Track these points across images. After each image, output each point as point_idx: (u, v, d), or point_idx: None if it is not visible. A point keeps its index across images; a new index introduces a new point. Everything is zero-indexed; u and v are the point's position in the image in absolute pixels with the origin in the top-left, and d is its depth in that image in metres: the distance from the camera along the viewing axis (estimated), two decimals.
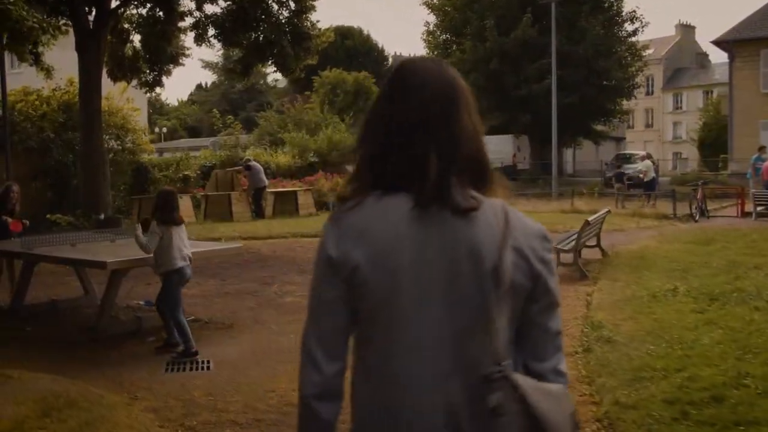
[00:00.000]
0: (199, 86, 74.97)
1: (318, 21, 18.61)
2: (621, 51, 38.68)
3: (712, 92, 75.43)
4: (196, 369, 6.86)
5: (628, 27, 38.97)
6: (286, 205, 22.56)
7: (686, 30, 78.90)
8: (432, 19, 40.81)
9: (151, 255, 7.19)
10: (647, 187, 27.70)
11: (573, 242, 11.17)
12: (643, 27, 39.68)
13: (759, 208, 21.47)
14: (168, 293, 7.26)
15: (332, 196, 23.76)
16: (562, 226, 18.33)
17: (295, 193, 22.98)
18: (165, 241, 7.11)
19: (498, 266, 1.56)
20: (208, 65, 70.55)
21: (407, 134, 1.61)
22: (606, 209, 13.90)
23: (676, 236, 15.37)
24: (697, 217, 20.83)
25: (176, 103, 72.53)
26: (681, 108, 78.86)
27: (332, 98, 48.89)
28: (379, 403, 1.63)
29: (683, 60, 78.20)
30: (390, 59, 66.72)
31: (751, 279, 9.55)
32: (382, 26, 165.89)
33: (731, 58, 36.25)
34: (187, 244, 7.38)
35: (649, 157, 34.43)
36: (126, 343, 7.77)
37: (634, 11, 38.94)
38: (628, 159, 39.57)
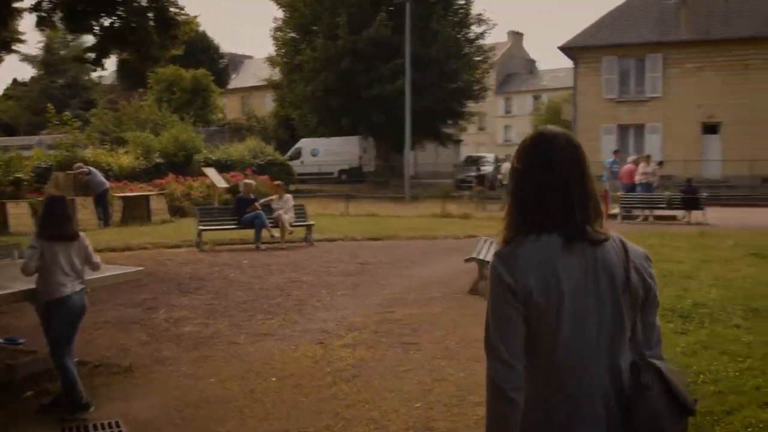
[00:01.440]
0: (15, 81, 68.65)
1: (184, 7, 16.86)
2: (470, 53, 38.90)
3: (540, 97, 79.09)
4: None
5: (476, 29, 39.25)
6: (137, 210, 20.32)
7: (516, 37, 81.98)
8: (282, 15, 39.24)
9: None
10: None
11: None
12: (490, 29, 40.19)
13: (624, 212, 21.87)
14: (50, 330, 5.62)
15: (187, 201, 21.81)
16: (461, 231, 17.68)
17: (147, 197, 20.77)
18: (47, 260, 5.47)
19: (629, 281, 2.14)
20: (26, 59, 64.91)
21: (554, 192, 2.16)
22: None
23: None
24: None
25: None
26: (511, 112, 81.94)
27: (169, 96, 46.20)
28: (549, 392, 2.13)
29: (513, 66, 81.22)
30: (227, 57, 64.43)
31: (699, 291, 9.03)
32: (220, 23, 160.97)
33: (575, 64, 37.40)
34: (77, 264, 5.73)
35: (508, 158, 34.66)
36: None
37: (481, 14, 39.32)
38: (476, 161, 40.02)
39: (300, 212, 16.20)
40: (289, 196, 16.27)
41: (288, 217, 15.58)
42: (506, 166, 28.13)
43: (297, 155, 41.26)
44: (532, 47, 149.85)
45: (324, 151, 41.87)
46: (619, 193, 22.69)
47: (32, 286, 5.70)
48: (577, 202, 2.16)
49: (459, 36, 38.13)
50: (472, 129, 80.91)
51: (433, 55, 35.39)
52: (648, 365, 2.14)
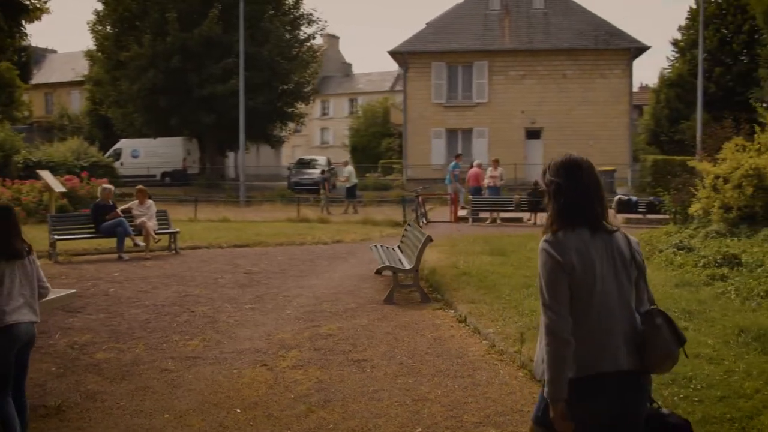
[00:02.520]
0: None
1: None
2: (302, 53, 38.43)
3: (356, 100, 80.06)
4: None
5: (306, 29, 38.82)
6: None
7: (332, 40, 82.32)
8: (102, 8, 36.52)
9: None
10: (349, 194, 27.58)
11: (414, 261, 9.92)
12: (321, 30, 39.91)
13: (473, 214, 22.38)
14: None
15: (17, 207, 19.61)
16: (327, 237, 17.20)
17: None
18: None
19: (633, 259, 3.21)
20: None
21: (585, 198, 3.19)
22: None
23: (455, 247, 14.94)
24: (421, 223, 20.97)
25: None
26: (328, 114, 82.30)
27: None
28: (582, 340, 3.07)
29: (329, 69, 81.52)
30: (28, 51, 59.42)
31: None
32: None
33: (405, 69, 38.02)
34: (33, 287, 4.80)
35: (348, 163, 34.47)
36: None
37: (311, 14, 38.88)
38: (308, 164, 39.62)
39: (162, 219, 15.04)
40: (151, 201, 15.04)
41: (152, 224, 14.41)
42: (348, 170, 27.94)
43: (116, 156, 38.79)
44: (346, 51, 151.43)
45: (145, 153, 39.71)
46: (470, 197, 23.17)
47: None
48: (597, 205, 3.21)
49: (289, 36, 37.51)
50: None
51: (265, 55, 34.55)
52: (659, 312, 3.21)
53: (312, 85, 39.61)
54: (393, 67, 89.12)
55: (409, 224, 12.71)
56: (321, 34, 40.83)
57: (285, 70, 36.06)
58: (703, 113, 46.94)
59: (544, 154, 37.18)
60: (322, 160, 40.43)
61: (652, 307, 3.22)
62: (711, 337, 7.14)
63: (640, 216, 21.72)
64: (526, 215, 22.64)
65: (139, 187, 15.06)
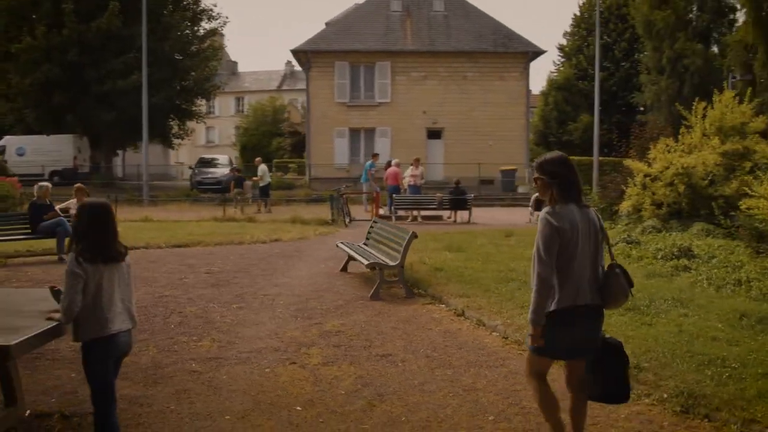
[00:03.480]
0: None
1: None
2: (202, 50, 37.55)
3: (243, 99, 78.89)
4: None
5: (206, 25, 37.98)
6: None
7: (218, 38, 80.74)
8: None
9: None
10: (262, 192, 27.28)
11: (399, 257, 9.98)
12: (222, 27, 39.11)
13: (398, 212, 22.62)
14: (95, 379, 4.45)
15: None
16: (264, 236, 16.97)
17: None
18: (91, 289, 4.29)
19: (601, 228, 4.47)
20: None
21: (574, 183, 4.41)
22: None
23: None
24: (347, 222, 21.05)
25: None
26: (214, 113, 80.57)
27: None
28: (565, 282, 4.28)
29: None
30: None
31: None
32: None
33: (308, 68, 37.85)
34: (130, 290, 4.62)
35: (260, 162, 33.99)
36: None
37: (212, 9, 38.02)
38: (210, 163, 38.81)
39: None
40: None
41: None
42: (262, 169, 27.58)
43: None
44: (231, 48, 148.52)
45: (31, 150, 37.74)
46: (394, 195, 23.37)
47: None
48: (579, 188, 4.46)
49: (190, 32, 36.58)
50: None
51: (167, 50, 33.56)
52: (617, 265, 4.46)
53: (212, 82, 38.75)
54: (279, 65, 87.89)
55: (375, 221, 12.76)
56: (219, 31, 39.92)
57: (186, 67, 35.15)
58: (589, 116, 49.26)
59: (445, 153, 38.00)
60: (223, 159, 39.70)
61: (612, 262, 4.46)
62: (715, 322, 7.59)
63: None
64: (446, 213, 23.12)
65: (78, 185, 14.36)
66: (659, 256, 11.35)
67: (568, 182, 4.36)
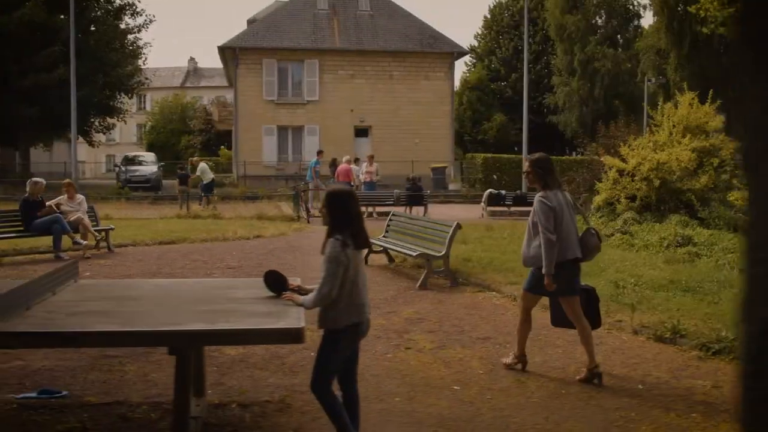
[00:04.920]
0: None
1: None
2: (127, 45, 36.49)
3: (145, 96, 76.61)
4: None
5: (130, 20, 36.92)
6: None
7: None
8: None
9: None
10: (205, 190, 26.87)
11: (443, 248, 10.29)
12: (147, 23, 38.08)
13: (369, 208, 22.83)
14: (333, 365, 4.56)
15: None
16: (245, 232, 16.88)
17: None
18: (351, 275, 4.42)
19: (574, 204, 6.45)
20: None
21: (555, 173, 6.29)
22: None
23: None
24: (308, 219, 21.14)
25: None
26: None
27: None
28: (562, 238, 6.01)
29: None
30: None
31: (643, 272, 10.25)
32: None
33: (236, 65, 37.41)
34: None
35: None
36: None
37: (135, 4, 36.92)
38: (133, 161, 37.80)
39: (91, 215, 13.99)
40: (82, 197, 13.95)
41: (88, 221, 13.39)
42: (202, 167, 27.13)
43: None
44: None
45: None
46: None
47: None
48: (558, 177, 6.38)
49: (114, 26, 35.49)
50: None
51: (92, 44, 32.45)
52: (594, 229, 6.37)
53: (137, 78, 37.71)
54: (182, 62, 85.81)
55: (393, 214, 13.01)
56: (146, 27, 38.88)
57: (112, 62, 34.11)
58: (502, 115, 50.86)
59: (373, 151, 38.30)
60: (149, 156, 38.79)
61: (589, 226, 6.38)
62: None
63: (504, 208, 23.50)
64: (400, 209, 23.50)
65: (68, 181, 13.96)
66: (665, 245, 12.15)
67: (553, 174, 6.21)
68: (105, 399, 5.61)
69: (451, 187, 35.43)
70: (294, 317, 4.33)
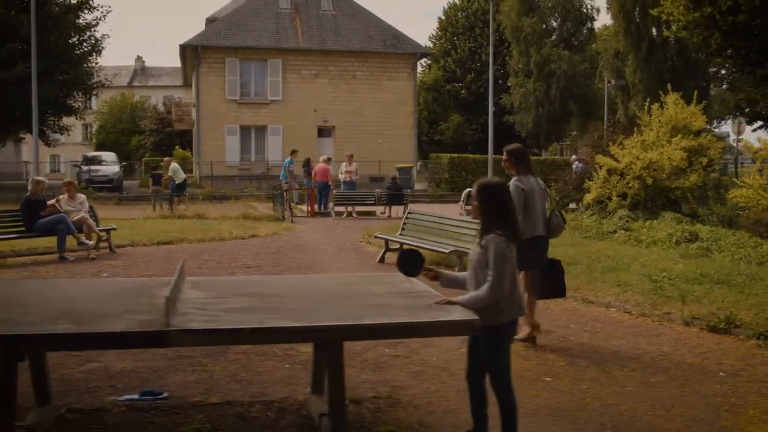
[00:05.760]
0: None
1: None
2: (83, 42, 35.60)
3: (90, 95, 74.76)
4: None
5: (87, 16, 35.96)
6: None
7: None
8: None
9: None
10: (177, 190, 26.47)
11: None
12: (103, 18, 37.14)
13: (337, 208, 22.82)
14: (505, 356, 4.53)
15: None
16: (241, 232, 16.73)
17: None
18: (511, 270, 4.47)
19: (545, 190, 7.28)
20: None
21: (530, 162, 7.15)
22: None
23: None
24: (291, 219, 21.06)
25: None
26: None
27: None
28: (528, 221, 6.71)
29: None
30: None
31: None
32: None
33: (197, 64, 36.93)
34: None
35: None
36: None
37: (91, 1, 35.92)
38: (93, 160, 37.03)
39: (91, 215, 13.67)
40: (82, 196, 13.63)
41: (91, 220, 13.10)
42: (174, 167, 26.71)
43: None
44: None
45: None
46: (328, 191, 23.50)
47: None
48: (532, 165, 7.22)
49: (72, 23, 34.56)
50: None
51: (52, 41, 31.58)
52: (558, 210, 7.44)
53: (97, 77, 36.82)
54: (128, 61, 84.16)
55: (410, 212, 13.07)
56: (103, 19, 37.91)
57: (71, 59, 33.29)
58: (459, 116, 51.35)
59: (336, 151, 38.29)
60: (109, 156, 38.04)
61: (553, 208, 7.40)
62: None
63: None
64: (380, 209, 23.59)
65: (68, 180, 13.59)
66: (674, 240, 12.51)
67: (528, 161, 7.09)
68: (209, 399, 5.55)
69: (417, 186, 35.63)
70: (458, 310, 4.36)
